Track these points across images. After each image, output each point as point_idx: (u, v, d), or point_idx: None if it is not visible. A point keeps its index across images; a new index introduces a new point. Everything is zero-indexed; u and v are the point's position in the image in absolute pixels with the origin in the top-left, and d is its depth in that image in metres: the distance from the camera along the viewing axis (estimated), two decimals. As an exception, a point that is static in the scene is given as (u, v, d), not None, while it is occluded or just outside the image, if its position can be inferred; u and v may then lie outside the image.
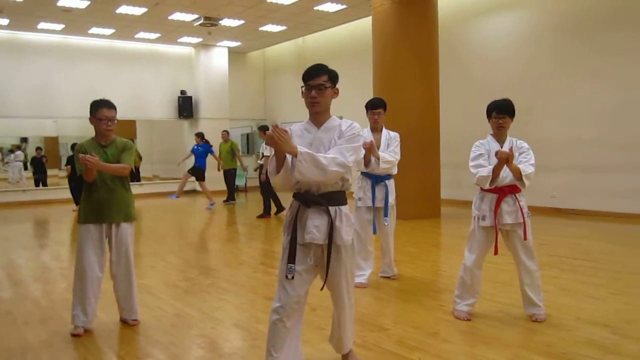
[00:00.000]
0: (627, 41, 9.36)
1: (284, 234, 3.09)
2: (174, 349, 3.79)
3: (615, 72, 9.51)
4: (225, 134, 13.71)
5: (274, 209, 11.08)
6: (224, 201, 13.85)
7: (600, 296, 4.81)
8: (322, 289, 3.08)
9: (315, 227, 2.95)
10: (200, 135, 13.29)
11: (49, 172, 16.92)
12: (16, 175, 17.58)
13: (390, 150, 5.30)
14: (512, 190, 4.10)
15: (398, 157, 5.35)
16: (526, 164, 4.03)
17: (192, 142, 16.58)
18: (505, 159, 3.85)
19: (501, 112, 4.07)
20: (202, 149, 13.00)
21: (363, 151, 2.98)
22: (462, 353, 3.56)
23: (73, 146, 12.67)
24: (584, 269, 5.85)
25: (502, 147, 4.08)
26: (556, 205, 10.31)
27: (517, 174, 3.97)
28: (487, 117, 4.17)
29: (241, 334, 4.11)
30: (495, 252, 4.15)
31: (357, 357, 3.41)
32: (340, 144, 2.96)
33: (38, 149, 16.85)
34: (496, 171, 3.96)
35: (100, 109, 4.12)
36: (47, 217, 12.52)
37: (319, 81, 3.00)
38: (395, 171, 5.46)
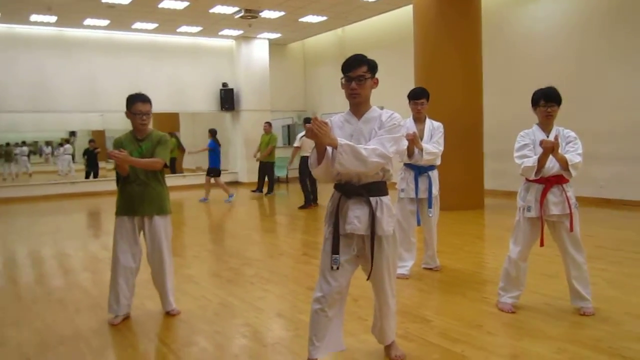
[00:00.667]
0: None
1: (325, 225, 3.10)
2: (218, 338, 3.86)
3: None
4: (267, 125, 13.72)
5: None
6: (266, 193, 13.93)
7: (651, 290, 4.67)
8: (368, 279, 3.09)
9: (356, 217, 2.96)
10: (211, 132, 13.05)
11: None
12: (65, 167, 18.18)
13: (433, 141, 5.23)
14: (558, 180, 4.00)
15: (441, 148, 5.28)
16: (573, 153, 3.92)
17: (233, 134, 16.86)
18: (550, 149, 3.75)
19: (549, 100, 3.96)
20: (210, 146, 12.97)
21: (405, 142, 2.96)
22: (507, 346, 3.51)
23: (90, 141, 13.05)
24: (632, 262, 5.67)
25: (548, 136, 3.98)
26: (605, 195, 10.01)
27: (564, 164, 3.87)
28: (533, 105, 4.07)
29: (284, 324, 4.15)
30: (541, 244, 4.07)
31: (399, 348, 3.41)
32: (380, 134, 2.95)
33: (91, 141, 17.36)
34: (542, 161, 3.86)
35: (135, 103, 4.18)
36: (96, 208, 12.88)
37: (358, 72, 2.99)
38: (438, 162, 5.40)
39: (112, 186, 15.05)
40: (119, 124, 18.84)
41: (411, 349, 3.51)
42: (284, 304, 4.69)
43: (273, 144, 13.54)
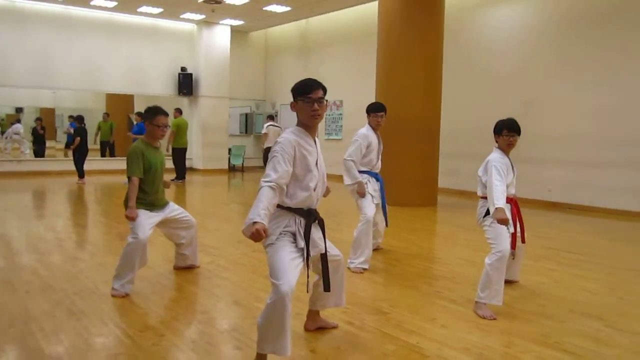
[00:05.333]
0: (628, 39, 9.38)
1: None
2: (175, 323, 3.84)
3: (617, 68, 9.53)
4: (176, 112, 14.01)
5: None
6: (173, 179, 13.82)
7: (595, 290, 4.89)
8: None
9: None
10: (139, 114, 13.07)
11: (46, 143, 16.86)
12: (9, 147, 17.41)
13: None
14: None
15: None
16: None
17: (190, 120, 16.56)
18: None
19: (512, 130, 4.29)
20: (138, 128, 12.83)
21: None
22: (459, 339, 3.62)
23: (78, 118, 12.63)
24: (579, 263, 5.92)
25: (509, 159, 4.38)
26: (552, 199, 10.39)
27: None
28: (496, 134, 4.36)
29: (241, 312, 4.15)
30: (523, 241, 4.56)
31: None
32: None
33: (38, 119, 16.71)
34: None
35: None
36: (42, 188, 12.48)
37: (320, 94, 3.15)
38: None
39: (60, 166, 14.81)
40: (70, 102, 18.28)
41: (368, 340, 3.58)
42: (242, 292, 4.68)
43: (172, 129, 13.58)
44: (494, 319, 3.99)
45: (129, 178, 4.51)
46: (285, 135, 3.12)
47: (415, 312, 4.14)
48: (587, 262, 5.95)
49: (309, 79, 3.18)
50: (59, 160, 15.80)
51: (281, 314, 2.86)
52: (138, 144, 4.64)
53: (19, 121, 18.05)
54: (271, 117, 14.82)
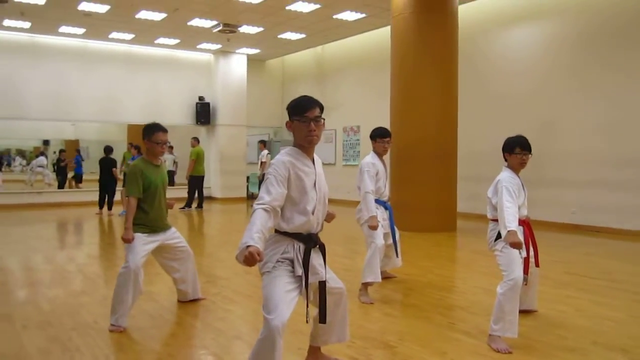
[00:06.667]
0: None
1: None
2: (171, 361, 3.67)
3: (634, 88, 9.24)
4: (193, 140, 14.25)
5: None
6: (196, 207, 14.01)
7: (619, 319, 4.59)
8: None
9: None
10: (136, 147, 12.79)
11: (69, 175, 17.08)
12: (34, 179, 17.66)
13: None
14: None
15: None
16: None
17: (208, 149, 16.59)
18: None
19: (524, 148, 4.11)
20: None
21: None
22: (471, 375, 3.39)
23: (106, 148, 12.61)
24: (602, 289, 5.61)
25: (520, 178, 4.17)
26: (576, 221, 10.03)
27: None
28: (507, 152, 4.16)
29: (242, 347, 3.96)
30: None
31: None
32: None
33: (61, 151, 16.98)
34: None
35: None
36: (63, 219, 12.52)
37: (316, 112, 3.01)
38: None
39: (80, 197, 14.91)
40: (92, 133, 18.53)
41: (372, 377, 3.37)
42: (245, 325, 4.50)
43: (192, 157, 13.85)
44: (510, 352, 3.74)
45: (128, 199, 4.41)
46: (279, 156, 2.98)
47: (425, 346, 3.90)
48: (611, 289, 5.64)
49: (305, 97, 3.02)
50: (80, 191, 15.95)
51: (270, 352, 2.68)
52: (137, 163, 4.54)
53: (42, 154, 18.36)
54: (264, 143, 15.18)
